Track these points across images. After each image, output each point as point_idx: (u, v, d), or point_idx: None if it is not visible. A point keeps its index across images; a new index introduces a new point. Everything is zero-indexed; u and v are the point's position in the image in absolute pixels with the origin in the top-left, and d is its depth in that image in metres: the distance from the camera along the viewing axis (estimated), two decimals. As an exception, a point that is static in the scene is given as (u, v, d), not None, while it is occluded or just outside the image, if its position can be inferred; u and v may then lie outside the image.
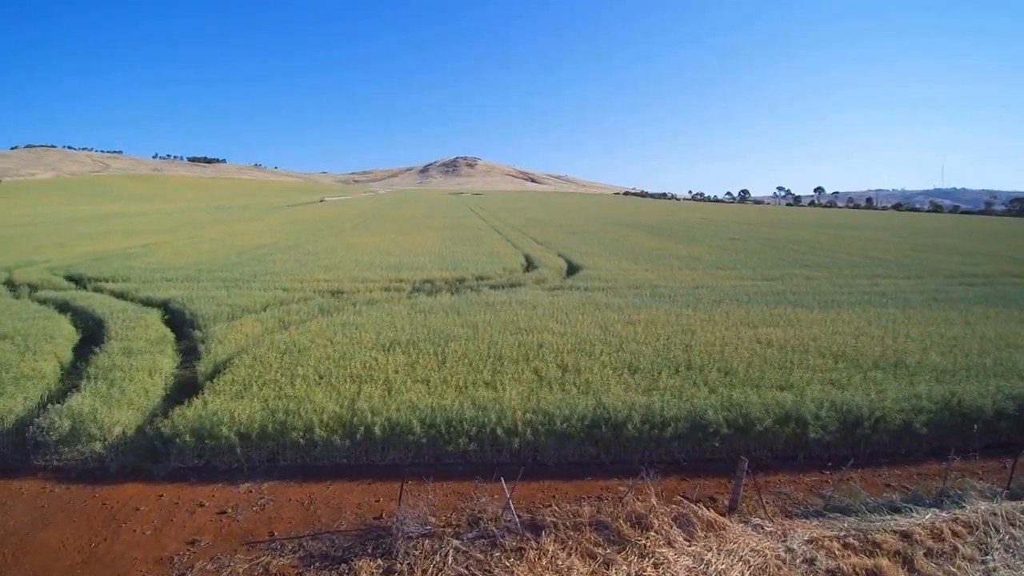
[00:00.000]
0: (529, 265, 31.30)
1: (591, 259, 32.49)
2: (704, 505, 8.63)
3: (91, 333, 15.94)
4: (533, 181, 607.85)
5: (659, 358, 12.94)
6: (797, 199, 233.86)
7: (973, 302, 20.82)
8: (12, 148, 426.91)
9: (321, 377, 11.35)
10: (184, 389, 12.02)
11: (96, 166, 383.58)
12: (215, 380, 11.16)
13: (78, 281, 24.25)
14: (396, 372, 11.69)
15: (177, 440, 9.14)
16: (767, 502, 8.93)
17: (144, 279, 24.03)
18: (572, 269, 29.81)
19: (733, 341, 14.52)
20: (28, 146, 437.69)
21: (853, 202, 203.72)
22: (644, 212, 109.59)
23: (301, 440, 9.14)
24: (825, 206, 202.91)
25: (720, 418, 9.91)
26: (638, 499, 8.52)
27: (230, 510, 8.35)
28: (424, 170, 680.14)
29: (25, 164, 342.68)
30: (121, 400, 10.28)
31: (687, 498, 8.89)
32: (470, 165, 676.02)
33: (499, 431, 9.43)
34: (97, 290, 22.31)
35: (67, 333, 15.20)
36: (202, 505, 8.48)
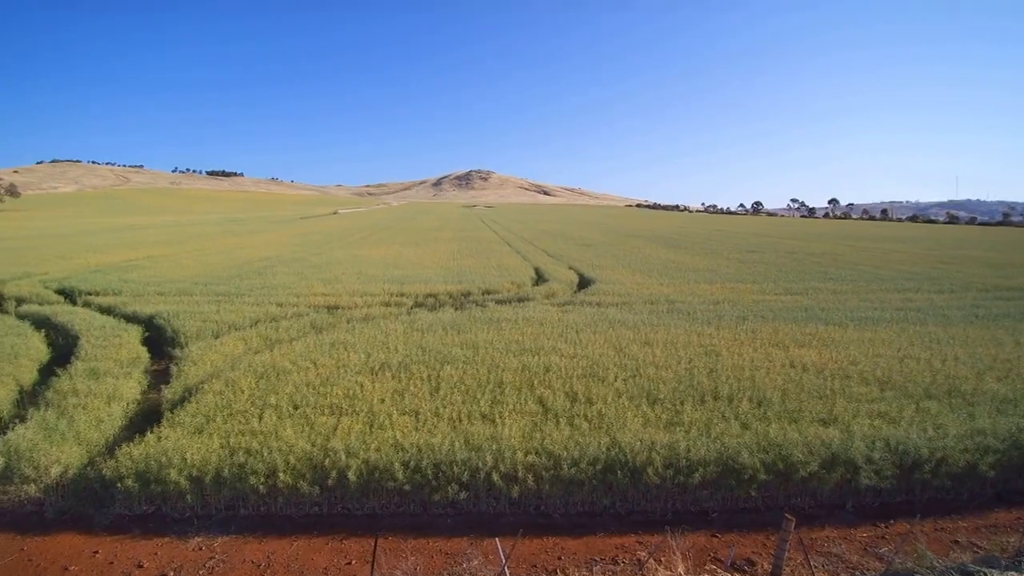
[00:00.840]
0: (539, 278, 29.96)
1: (604, 272, 31.06)
2: (741, 572, 7.17)
3: (65, 351, 14.78)
4: (546, 194, 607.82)
5: (681, 385, 11.45)
6: (811, 211, 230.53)
7: (1018, 319, 19.14)
8: (38, 163, 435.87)
9: (296, 408, 9.96)
10: (150, 418, 10.73)
11: (117, 180, 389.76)
12: (176, 410, 9.85)
13: (69, 295, 23.25)
14: (382, 401, 10.28)
15: (119, 485, 7.83)
16: (816, 566, 7.44)
17: (136, 293, 23.00)
18: (584, 283, 28.39)
19: (763, 365, 13.00)
20: (54, 161, 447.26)
21: (868, 214, 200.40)
22: (657, 224, 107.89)
23: (261, 487, 7.76)
24: (840, 218, 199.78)
25: (756, 461, 8.39)
26: (660, 564, 7.07)
27: (172, 573, 7.00)
28: (438, 183, 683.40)
29: (48, 178, 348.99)
30: (67, 433, 8.99)
31: (719, 562, 7.42)
32: (483, 178, 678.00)
33: (495, 477, 7.97)
34: (86, 304, 21.27)
35: (36, 352, 14.05)
36: (140, 566, 7.12)
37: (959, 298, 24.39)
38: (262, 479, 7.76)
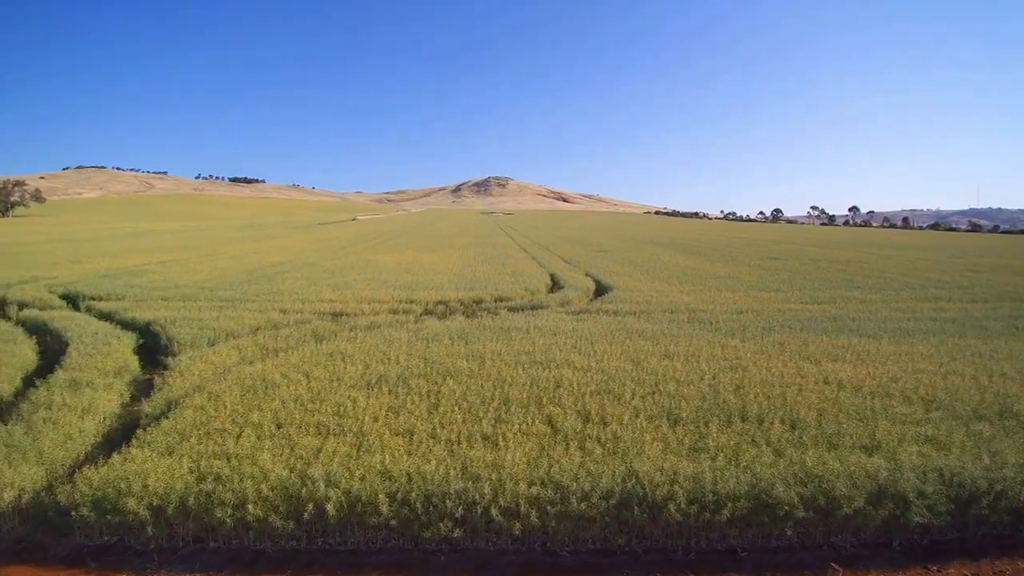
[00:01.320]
0: (554, 285, 29.02)
1: (621, 279, 30.00)
2: (778, 630, 6.15)
3: (55, 359, 14.15)
4: (564, 200, 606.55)
5: (705, 404, 10.40)
6: (832, 218, 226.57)
7: (1063, 330, 17.76)
8: (64, 168, 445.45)
9: (279, 427, 9.08)
10: (128, 434, 9.93)
11: (141, 186, 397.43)
12: (151, 427, 9.05)
13: (74, 299, 22.83)
14: (375, 420, 9.37)
15: (74, 514, 7.02)
16: (864, 621, 6.40)
17: (140, 298, 22.50)
18: (601, 290, 27.37)
19: (795, 381, 11.88)
20: (80, 167, 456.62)
21: (889, 221, 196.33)
22: (676, 230, 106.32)
23: (229, 520, 6.91)
24: (860, 225, 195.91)
25: (793, 496, 7.32)
26: (684, 619, 6.08)
27: (123, 619, 6.18)
28: (457, 189, 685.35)
29: (73, 184, 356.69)
30: (29, 453, 8.23)
31: (752, 615, 6.41)
32: (502, 185, 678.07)
33: (495, 512, 7.01)
34: (88, 309, 20.78)
35: (22, 361, 13.41)
36: (90, 608, 6.33)
37: (994, 308, 22.97)
38: (229, 511, 6.89)
